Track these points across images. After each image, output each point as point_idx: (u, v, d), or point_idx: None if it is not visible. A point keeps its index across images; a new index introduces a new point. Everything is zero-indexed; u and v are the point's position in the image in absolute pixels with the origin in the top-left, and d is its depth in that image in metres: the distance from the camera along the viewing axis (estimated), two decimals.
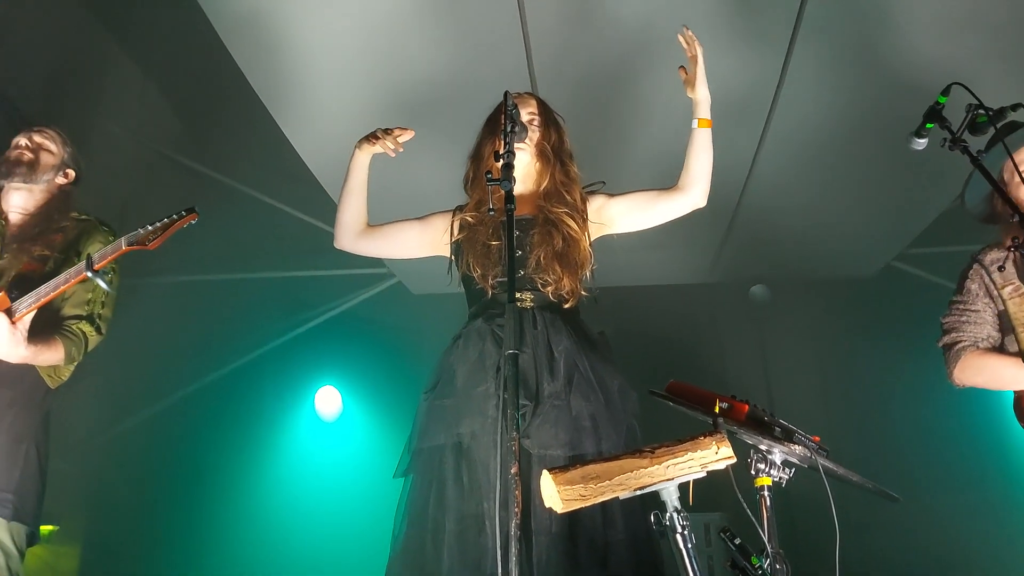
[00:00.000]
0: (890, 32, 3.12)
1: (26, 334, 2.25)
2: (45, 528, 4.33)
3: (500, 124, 2.10)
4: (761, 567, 1.76)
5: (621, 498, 1.58)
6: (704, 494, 1.72)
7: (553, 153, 2.42)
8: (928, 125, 2.18)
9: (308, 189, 4.27)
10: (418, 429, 2.28)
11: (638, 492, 1.58)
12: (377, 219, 2.54)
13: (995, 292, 2.38)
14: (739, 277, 5.60)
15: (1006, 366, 2.31)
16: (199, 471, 5.08)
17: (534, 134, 2.40)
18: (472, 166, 2.51)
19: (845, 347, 5.40)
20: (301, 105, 3.60)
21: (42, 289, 2.25)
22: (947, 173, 3.47)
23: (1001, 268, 2.35)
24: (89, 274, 2.23)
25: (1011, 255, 2.32)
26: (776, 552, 1.86)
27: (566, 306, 2.33)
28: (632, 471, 1.55)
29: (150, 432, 5.12)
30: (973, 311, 2.43)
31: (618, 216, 2.45)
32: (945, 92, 2.17)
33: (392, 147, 2.42)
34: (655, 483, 1.57)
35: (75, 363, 2.50)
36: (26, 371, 2.39)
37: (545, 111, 2.49)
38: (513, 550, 1.49)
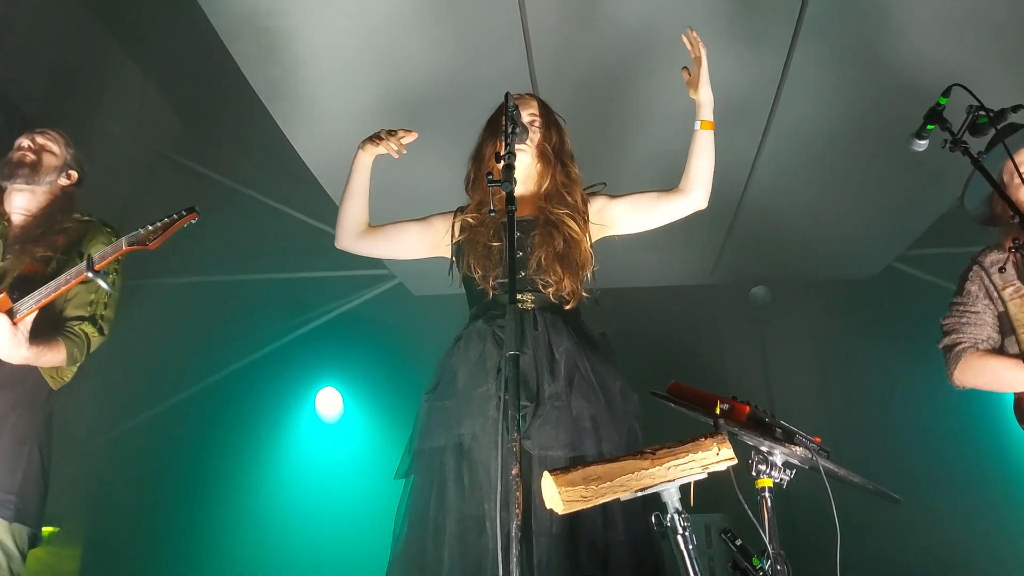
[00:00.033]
0: (890, 33, 3.12)
1: (28, 335, 2.24)
2: (46, 529, 4.32)
3: (501, 125, 2.09)
4: (762, 568, 1.76)
5: (622, 499, 1.58)
6: (705, 495, 1.71)
7: (554, 154, 2.42)
8: (929, 127, 2.18)
9: (308, 189, 4.27)
10: (419, 430, 2.28)
11: (639, 493, 1.57)
12: (378, 219, 2.54)
13: (995, 294, 2.38)
14: (739, 278, 5.59)
15: (1006, 368, 2.31)
16: (200, 472, 5.08)
17: (535, 135, 2.40)
18: (473, 167, 2.51)
19: (846, 348, 5.40)
20: (301, 105, 3.60)
21: (43, 290, 2.25)
22: (947, 174, 3.46)
23: (1002, 269, 2.35)
24: (90, 274, 2.23)
25: (1011, 256, 2.32)
26: (777, 553, 1.86)
27: (567, 307, 2.33)
28: (633, 472, 1.55)
29: (151, 433, 5.13)
30: (973, 312, 2.42)
31: (619, 217, 2.45)
32: (946, 93, 2.17)
33: (396, 148, 2.42)
34: (656, 484, 1.57)
35: (77, 364, 2.50)
36: (28, 372, 2.39)
37: (546, 112, 2.49)
38: (514, 551, 1.49)
